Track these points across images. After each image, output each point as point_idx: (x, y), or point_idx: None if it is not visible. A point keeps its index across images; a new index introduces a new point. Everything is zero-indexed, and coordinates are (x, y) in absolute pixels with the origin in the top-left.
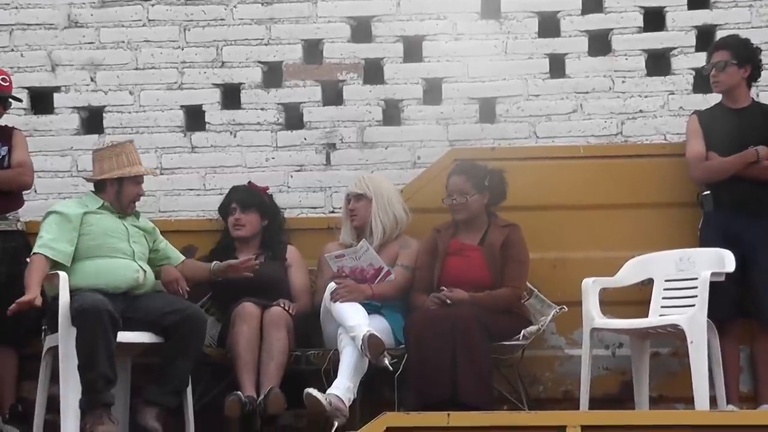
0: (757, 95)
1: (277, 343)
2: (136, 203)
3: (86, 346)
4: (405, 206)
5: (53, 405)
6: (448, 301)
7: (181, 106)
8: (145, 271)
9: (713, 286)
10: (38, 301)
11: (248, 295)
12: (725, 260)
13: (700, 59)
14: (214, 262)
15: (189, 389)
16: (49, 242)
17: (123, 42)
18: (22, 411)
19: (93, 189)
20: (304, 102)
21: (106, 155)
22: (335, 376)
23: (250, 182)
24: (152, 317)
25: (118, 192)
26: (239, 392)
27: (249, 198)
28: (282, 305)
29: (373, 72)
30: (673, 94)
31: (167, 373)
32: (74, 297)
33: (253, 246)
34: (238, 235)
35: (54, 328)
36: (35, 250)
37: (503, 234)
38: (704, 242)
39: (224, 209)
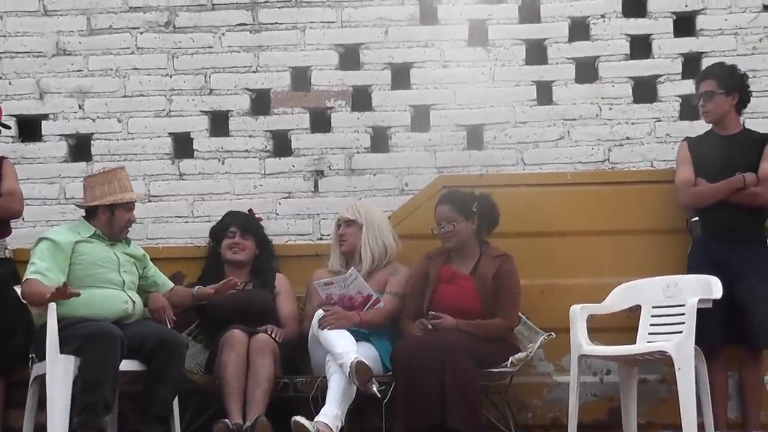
0: (744, 122)
1: (263, 369)
2: (129, 229)
3: (94, 369)
4: (395, 234)
5: None
6: (430, 326)
7: (170, 134)
8: (134, 302)
9: (701, 312)
10: (65, 291)
11: (237, 323)
12: (712, 287)
13: (687, 86)
14: (197, 286)
15: (177, 417)
16: (43, 270)
17: (111, 69)
18: None
19: (84, 215)
20: (292, 129)
21: (97, 182)
22: (323, 403)
23: (250, 210)
24: (135, 344)
25: (110, 218)
26: (226, 420)
27: (249, 224)
28: (269, 332)
29: (361, 99)
30: (660, 121)
31: (148, 400)
32: (86, 322)
33: (243, 273)
34: (236, 258)
35: (42, 357)
36: (29, 276)
37: (496, 264)
38: (692, 268)
39: (220, 232)
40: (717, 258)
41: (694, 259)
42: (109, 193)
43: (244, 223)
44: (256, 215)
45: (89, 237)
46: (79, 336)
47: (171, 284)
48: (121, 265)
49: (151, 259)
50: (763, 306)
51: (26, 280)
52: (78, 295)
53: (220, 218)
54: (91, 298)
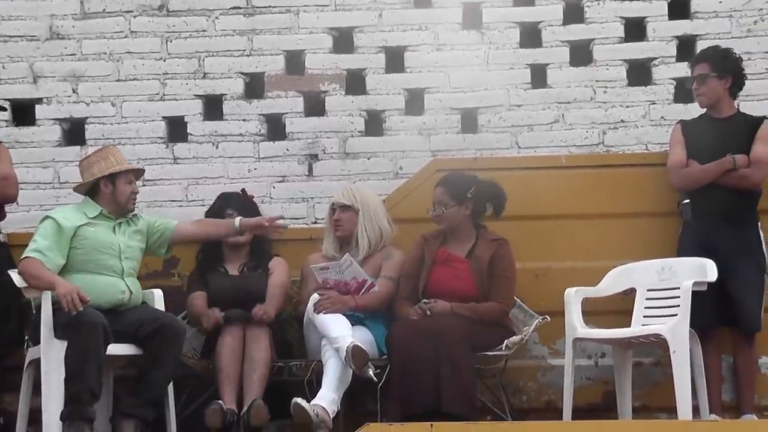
0: (738, 105)
1: (259, 354)
2: (134, 202)
3: (77, 358)
4: (389, 218)
5: (35, 417)
6: (428, 312)
7: (163, 118)
8: (131, 292)
9: (694, 294)
10: (84, 295)
11: (232, 307)
12: (707, 269)
13: (681, 69)
14: (239, 217)
15: (171, 401)
16: (44, 249)
17: (105, 53)
18: (3, 423)
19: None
20: (287, 113)
21: (93, 161)
22: (318, 387)
23: (243, 190)
24: (132, 329)
25: (113, 192)
26: (220, 401)
27: (246, 206)
28: (259, 314)
29: (355, 82)
30: (655, 104)
31: (141, 384)
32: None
33: (243, 254)
34: (237, 242)
35: (37, 341)
36: (29, 254)
37: (492, 248)
38: (681, 250)
39: (217, 216)
40: (707, 241)
41: (684, 241)
42: (106, 167)
43: (241, 205)
44: (248, 194)
45: (95, 218)
46: (63, 323)
47: (175, 221)
48: (122, 251)
49: None
50: (751, 289)
51: (26, 257)
52: (87, 301)
53: (213, 201)
54: (88, 285)
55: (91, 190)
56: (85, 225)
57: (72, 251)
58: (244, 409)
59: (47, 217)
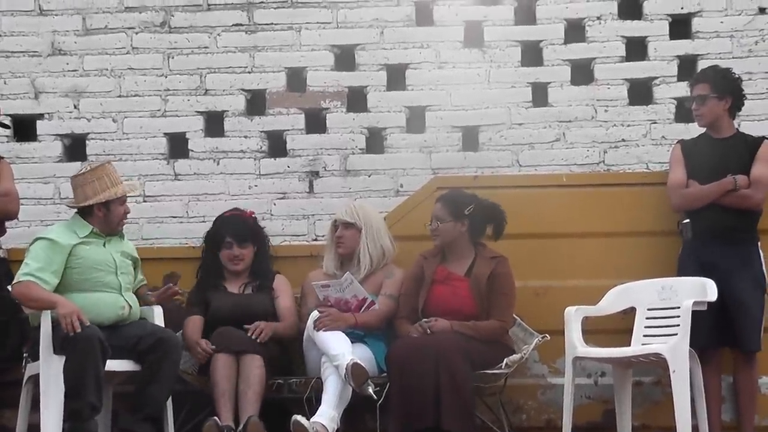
0: (739, 125)
1: (254, 371)
2: (125, 221)
3: (75, 374)
4: (391, 237)
5: None
6: (429, 331)
7: (165, 134)
8: (131, 306)
9: (694, 314)
10: (84, 319)
11: (233, 326)
12: (707, 289)
13: (682, 89)
14: (147, 292)
15: (171, 418)
16: (35, 271)
17: (106, 69)
18: None
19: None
20: (288, 130)
21: (87, 179)
22: (318, 404)
23: (236, 209)
24: (131, 344)
25: (106, 215)
26: (216, 417)
27: (243, 230)
28: (254, 333)
29: (356, 100)
30: (656, 123)
31: (139, 399)
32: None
33: (243, 274)
34: (236, 270)
35: (36, 356)
36: (22, 278)
37: (490, 266)
38: (681, 270)
39: (216, 241)
40: (706, 261)
41: (684, 261)
42: (101, 189)
43: (240, 233)
44: (248, 211)
45: (86, 237)
46: (60, 339)
47: (144, 282)
48: (118, 267)
49: (145, 260)
50: (751, 309)
51: (20, 282)
52: (86, 324)
53: (213, 222)
54: (89, 303)
55: (84, 208)
56: (78, 244)
57: (68, 271)
58: (241, 426)
59: (39, 238)
